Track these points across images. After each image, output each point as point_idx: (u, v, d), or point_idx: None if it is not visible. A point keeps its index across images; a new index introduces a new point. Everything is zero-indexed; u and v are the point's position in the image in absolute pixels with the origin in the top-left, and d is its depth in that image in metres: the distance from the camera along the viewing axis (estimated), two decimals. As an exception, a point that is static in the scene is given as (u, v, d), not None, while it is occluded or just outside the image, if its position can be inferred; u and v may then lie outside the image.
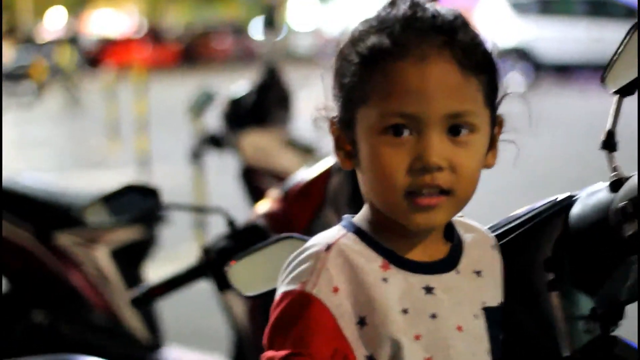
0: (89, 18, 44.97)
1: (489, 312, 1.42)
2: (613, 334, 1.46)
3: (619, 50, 1.47)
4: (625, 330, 1.50)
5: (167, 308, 4.18)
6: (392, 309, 1.34)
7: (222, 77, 19.51)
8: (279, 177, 4.41)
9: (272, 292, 1.40)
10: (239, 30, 40.49)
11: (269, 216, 2.64)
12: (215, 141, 5.45)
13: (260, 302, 2.57)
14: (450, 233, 1.43)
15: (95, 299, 3.63)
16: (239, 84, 5.66)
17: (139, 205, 2.57)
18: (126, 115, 13.53)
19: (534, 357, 1.46)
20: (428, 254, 1.40)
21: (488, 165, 1.41)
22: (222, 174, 7.52)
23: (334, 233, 1.40)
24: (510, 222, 1.50)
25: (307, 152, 4.74)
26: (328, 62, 1.42)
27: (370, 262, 1.37)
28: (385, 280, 1.36)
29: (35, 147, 14.78)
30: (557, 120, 13.84)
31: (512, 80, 19.74)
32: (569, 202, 1.47)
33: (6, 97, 23.26)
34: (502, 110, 1.42)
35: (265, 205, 2.71)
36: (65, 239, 3.63)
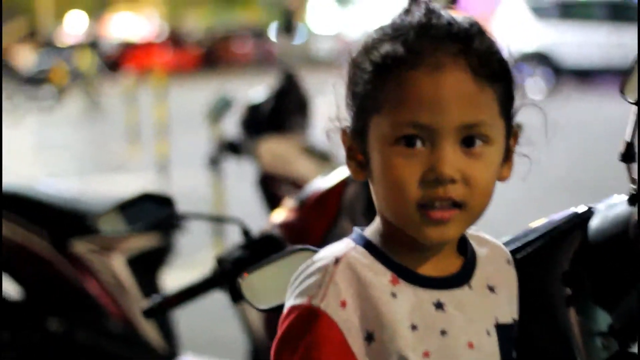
0: (109, 22, 45.11)
1: (501, 329, 1.39)
2: (631, 350, 1.43)
3: (638, 60, 1.44)
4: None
5: (184, 316, 4.17)
6: (400, 324, 1.32)
7: (243, 81, 19.55)
8: (297, 185, 4.39)
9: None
10: (259, 34, 40.53)
11: (285, 226, 2.62)
12: (233, 148, 5.43)
13: (277, 312, 2.55)
14: (463, 247, 1.40)
15: (111, 307, 3.62)
16: (257, 89, 5.65)
17: (154, 214, 2.56)
18: (146, 120, 13.56)
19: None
20: (440, 268, 1.37)
21: (502, 178, 1.38)
22: (241, 180, 7.51)
23: (343, 246, 1.38)
24: (527, 235, 1.48)
25: (325, 159, 4.72)
26: (342, 70, 1.40)
27: (379, 276, 1.34)
28: (394, 295, 1.33)
29: (56, 151, 14.82)
30: (578, 126, 13.78)
31: (532, 85, 19.69)
32: (588, 215, 1.45)
33: (27, 101, 23.40)
34: (519, 118, 1.39)
35: (280, 215, 2.69)
36: (81, 247, 3.62)
